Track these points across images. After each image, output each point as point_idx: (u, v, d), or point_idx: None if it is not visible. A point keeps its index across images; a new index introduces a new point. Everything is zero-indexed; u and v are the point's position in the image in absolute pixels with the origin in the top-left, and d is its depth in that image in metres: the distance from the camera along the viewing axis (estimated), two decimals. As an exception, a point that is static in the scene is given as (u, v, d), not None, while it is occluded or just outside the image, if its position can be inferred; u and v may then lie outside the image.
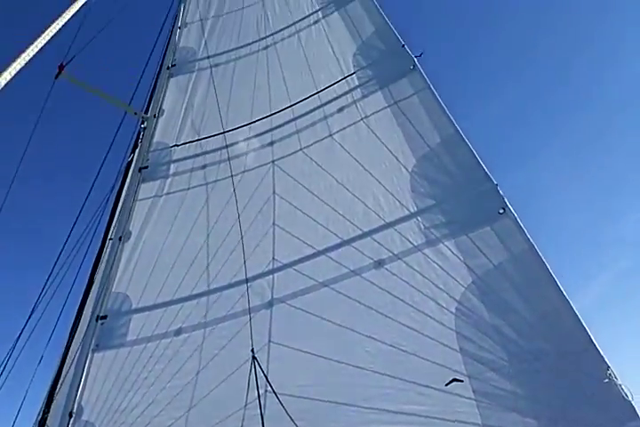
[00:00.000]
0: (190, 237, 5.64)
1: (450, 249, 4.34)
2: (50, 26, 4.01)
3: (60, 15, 4.18)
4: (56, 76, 6.40)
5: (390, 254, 4.54)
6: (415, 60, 5.44)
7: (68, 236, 5.97)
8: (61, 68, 6.42)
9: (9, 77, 3.05)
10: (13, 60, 3.27)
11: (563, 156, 20.47)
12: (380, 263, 4.55)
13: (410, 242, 4.53)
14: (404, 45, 5.66)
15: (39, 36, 3.80)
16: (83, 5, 4.38)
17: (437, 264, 4.31)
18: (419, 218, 4.63)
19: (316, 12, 6.79)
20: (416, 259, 4.41)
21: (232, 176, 5.85)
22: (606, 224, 20.68)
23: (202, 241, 5.54)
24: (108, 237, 5.92)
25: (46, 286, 5.63)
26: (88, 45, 6.65)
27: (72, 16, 4.26)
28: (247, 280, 5.00)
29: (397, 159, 5.02)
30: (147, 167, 6.37)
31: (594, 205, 20.75)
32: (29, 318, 5.38)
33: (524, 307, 3.87)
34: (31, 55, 3.22)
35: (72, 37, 6.55)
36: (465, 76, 21.34)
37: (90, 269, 5.73)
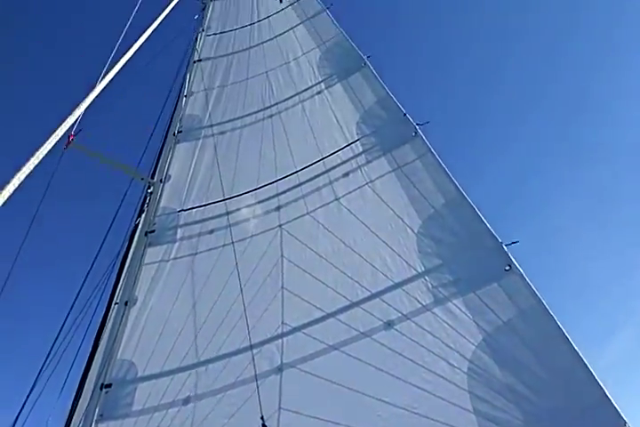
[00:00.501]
0: (198, 303, 5.62)
1: (458, 307, 4.37)
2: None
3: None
4: (65, 146, 6.56)
5: (399, 315, 4.56)
6: (417, 127, 5.70)
7: (74, 301, 5.96)
8: (71, 137, 6.61)
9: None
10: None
11: (583, 205, 20.60)
12: (389, 324, 4.56)
13: (418, 302, 4.56)
14: (405, 114, 5.94)
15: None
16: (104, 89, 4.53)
17: (447, 323, 4.32)
18: (426, 277, 4.68)
19: (319, 82, 7.15)
20: (425, 318, 4.43)
21: (234, 242, 5.91)
22: (630, 275, 20.47)
23: (209, 306, 5.52)
24: (114, 301, 5.91)
25: (50, 353, 5.56)
26: (95, 113, 6.88)
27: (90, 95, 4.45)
28: (252, 347, 4.96)
29: (403, 221, 5.14)
30: (153, 231, 6.44)
31: (616, 255, 20.58)
32: (34, 385, 5.27)
33: (535, 363, 3.85)
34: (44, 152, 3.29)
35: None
36: (479, 131, 21.87)
37: (94, 334, 5.69)
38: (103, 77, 4.63)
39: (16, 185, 2.98)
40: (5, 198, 2.85)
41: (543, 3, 21.51)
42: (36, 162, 3.26)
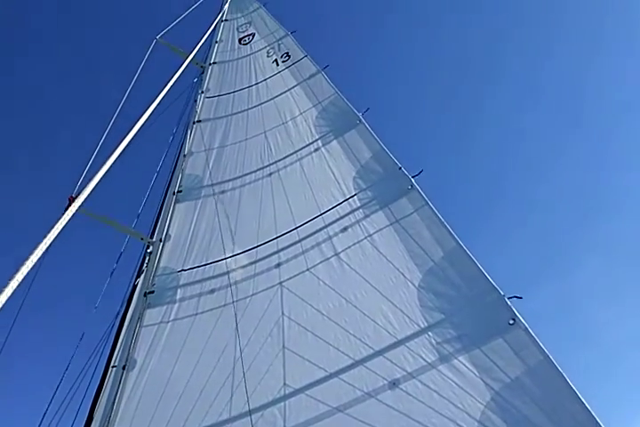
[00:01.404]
0: (198, 366, 5.47)
1: (464, 364, 4.23)
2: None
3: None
4: (66, 208, 6.60)
5: (404, 373, 4.41)
6: (412, 180, 5.76)
7: (67, 365, 5.84)
8: (72, 200, 6.66)
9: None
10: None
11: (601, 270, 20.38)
12: (394, 384, 4.40)
13: (423, 359, 4.42)
14: (400, 168, 6.01)
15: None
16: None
17: (453, 381, 4.17)
18: (429, 333, 4.57)
19: (316, 140, 7.28)
20: (431, 377, 4.28)
21: (234, 302, 5.83)
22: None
23: (210, 369, 5.37)
24: (111, 364, 5.77)
25: (42, 423, 5.38)
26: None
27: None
28: (251, 412, 4.78)
29: (404, 275, 5.08)
30: (153, 292, 6.37)
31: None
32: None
33: (546, 422, 3.68)
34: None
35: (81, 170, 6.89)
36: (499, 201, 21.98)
37: (91, 400, 5.51)
38: (112, 152, 4.68)
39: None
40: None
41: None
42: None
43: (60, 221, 3.39)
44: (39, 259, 3.03)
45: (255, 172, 7.44)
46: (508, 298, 4.38)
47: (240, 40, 10.90)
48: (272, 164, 7.40)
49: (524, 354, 4.03)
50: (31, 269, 2.94)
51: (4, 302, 2.62)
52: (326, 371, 4.77)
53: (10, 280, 2.77)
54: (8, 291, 2.69)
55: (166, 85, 6.06)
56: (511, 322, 4.20)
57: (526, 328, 4.13)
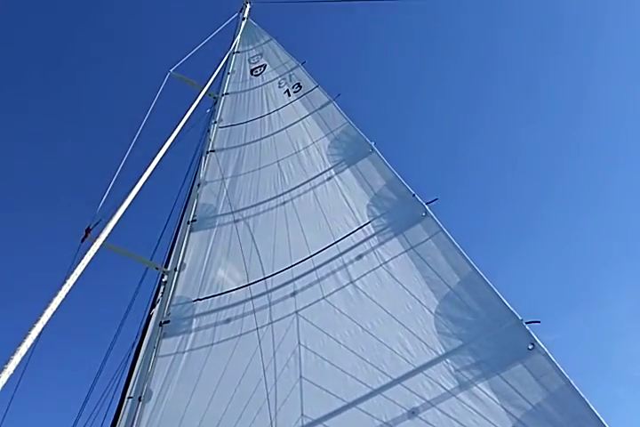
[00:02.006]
0: (215, 397, 5.42)
1: (484, 391, 4.17)
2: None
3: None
4: (82, 240, 6.68)
5: (423, 402, 4.35)
6: (426, 207, 5.78)
7: (86, 398, 5.81)
8: (88, 231, 6.74)
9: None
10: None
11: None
12: (413, 412, 4.34)
13: (442, 387, 4.37)
14: (414, 195, 6.04)
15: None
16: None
17: (473, 409, 4.11)
18: (447, 360, 4.52)
19: (329, 169, 7.35)
20: (450, 405, 4.22)
21: (251, 332, 5.82)
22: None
23: (227, 401, 5.32)
24: (127, 395, 5.74)
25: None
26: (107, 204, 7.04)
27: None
28: None
29: (420, 302, 5.06)
30: (168, 322, 6.36)
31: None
32: None
33: None
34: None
35: (97, 202, 6.99)
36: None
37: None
38: (132, 188, 4.75)
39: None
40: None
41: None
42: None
43: (82, 261, 3.42)
44: (63, 299, 3.08)
45: (269, 200, 7.50)
46: (527, 323, 4.35)
47: (252, 71, 11.12)
48: (285, 192, 7.46)
49: (544, 380, 3.98)
50: (55, 310, 2.99)
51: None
52: (344, 400, 4.72)
53: (40, 316, 2.83)
54: (34, 333, 2.74)
55: (182, 119, 6.16)
56: (530, 347, 4.15)
57: (546, 353, 4.08)
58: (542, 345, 4.13)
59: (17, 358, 2.53)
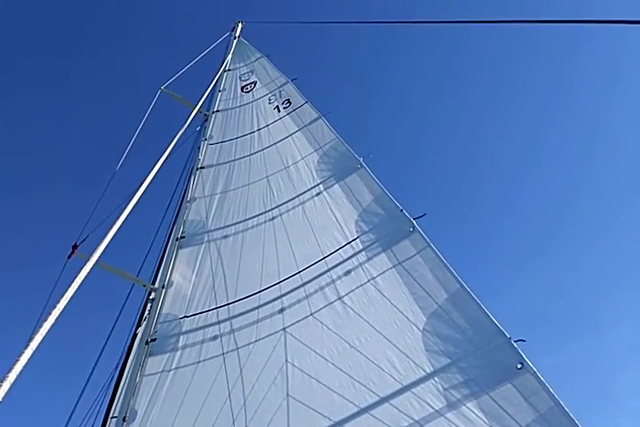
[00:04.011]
0: (200, 417, 5.31)
1: (472, 411, 4.08)
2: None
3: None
4: (69, 256, 6.60)
5: (411, 421, 4.26)
6: (414, 222, 5.75)
7: (69, 418, 5.69)
8: (75, 247, 6.66)
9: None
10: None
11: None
12: (401, 432, 4.25)
13: (430, 406, 4.28)
14: (402, 210, 6.02)
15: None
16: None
17: (462, 429, 4.02)
18: (436, 379, 4.44)
19: (318, 184, 7.33)
20: (439, 425, 4.13)
21: (237, 349, 5.72)
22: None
23: (213, 420, 5.22)
24: (110, 415, 5.61)
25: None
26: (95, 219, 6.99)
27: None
28: None
29: (408, 318, 4.99)
30: (155, 340, 6.26)
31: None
32: None
33: None
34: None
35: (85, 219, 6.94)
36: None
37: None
38: (124, 209, 4.71)
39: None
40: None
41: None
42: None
43: (72, 284, 3.37)
44: (57, 318, 3.03)
45: (258, 216, 7.46)
46: (515, 341, 4.28)
47: (242, 88, 11.16)
48: (274, 208, 7.43)
49: (534, 400, 3.90)
50: (48, 330, 2.94)
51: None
52: (331, 420, 4.63)
53: (34, 334, 2.77)
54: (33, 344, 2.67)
55: (173, 139, 6.15)
56: (519, 366, 4.08)
57: (535, 373, 4.01)
58: (531, 364, 4.06)
59: (6, 386, 2.47)
